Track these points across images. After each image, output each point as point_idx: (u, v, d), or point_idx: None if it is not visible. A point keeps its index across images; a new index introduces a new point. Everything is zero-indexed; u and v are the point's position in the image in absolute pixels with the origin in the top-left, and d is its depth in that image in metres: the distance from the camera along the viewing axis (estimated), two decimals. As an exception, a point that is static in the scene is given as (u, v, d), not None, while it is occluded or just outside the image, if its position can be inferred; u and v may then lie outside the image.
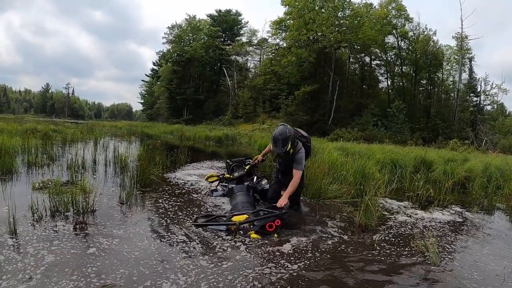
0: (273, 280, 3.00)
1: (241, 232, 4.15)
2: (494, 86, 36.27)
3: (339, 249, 3.90)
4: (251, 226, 4.22)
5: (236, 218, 4.28)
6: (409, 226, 4.99)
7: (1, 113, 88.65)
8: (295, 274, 3.16)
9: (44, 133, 14.63)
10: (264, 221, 4.24)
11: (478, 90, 37.26)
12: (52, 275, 2.81)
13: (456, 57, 36.93)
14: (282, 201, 4.52)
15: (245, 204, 4.82)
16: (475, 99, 37.50)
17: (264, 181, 5.80)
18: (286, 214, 4.50)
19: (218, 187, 6.34)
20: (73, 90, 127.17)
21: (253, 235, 4.06)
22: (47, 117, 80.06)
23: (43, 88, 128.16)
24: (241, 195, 5.12)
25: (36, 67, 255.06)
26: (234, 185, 5.61)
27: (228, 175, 6.14)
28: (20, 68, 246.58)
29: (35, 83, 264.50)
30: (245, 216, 4.32)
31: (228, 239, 3.97)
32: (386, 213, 5.66)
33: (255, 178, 5.91)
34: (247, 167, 6.06)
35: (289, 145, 4.71)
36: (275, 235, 4.17)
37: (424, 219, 5.47)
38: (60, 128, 18.86)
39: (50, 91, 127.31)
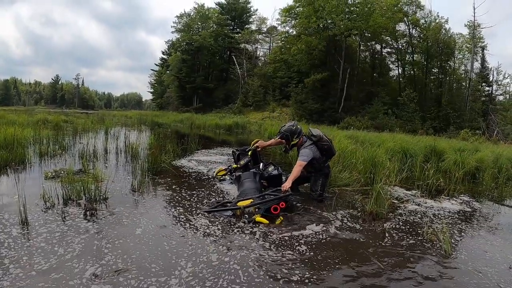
0: (282, 268, 3.04)
1: (246, 216, 4.24)
2: (507, 76, 35.52)
3: (349, 236, 3.92)
4: (256, 210, 4.33)
5: (241, 203, 4.39)
6: (419, 215, 4.98)
7: (12, 105, 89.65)
8: (305, 262, 3.20)
9: (55, 123, 14.83)
10: (269, 204, 4.34)
11: (491, 79, 36.43)
12: (64, 260, 2.88)
13: (468, 45, 36.01)
14: (286, 185, 4.65)
15: (252, 190, 4.89)
16: (487, 88, 36.60)
17: (271, 168, 5.85)
18: (290, 196, 4.62)
19: (225, 176, 6.47)
20: (82, 80, 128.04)
21: (258, 219, 4.15)
22: (57, 108, 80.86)
23: (53, 79, 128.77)
24: (248, 182, 5.20)
25: (46, 58, 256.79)
26: (241, 173, 5.69)
27: (236, 165, 6.24)
28: (30, 60, 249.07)
29: (45, 74, 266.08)
30: (250, 200, 4.42)
31: (237, 226, 4.02)
32: (396, 201, 5.65)
33: (261, 164, 5.97)
34: (249, 153, 6.21)
35: (290, 136, 5.43)
36: (280, 218, 4.26)
37: (433, 208, 5.44)
38: (70, 119, 19.06)
39: (59, 82, 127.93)
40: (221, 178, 6.44)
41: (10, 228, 3.45)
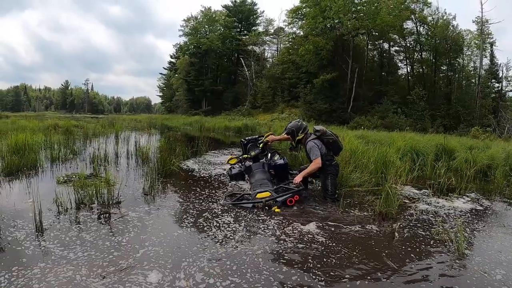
0: (296, 263, 3.05)
1: (267, 208, 4.76)
2: (516, 72, 35.09)
3: (360, 235, 3.91)
4: (274, 202, 4.85)
5: (260, 195, 4.90)
6: (431, 214, 4.94)
7: (22, 111, 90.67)
8: (317, 258, 3.20)
9: (66, 128, 14.97)
10: (285, 198, 4.88)
11: (500, 76, 36.02)
12: (77, 262, 2.92)
13: (476, 42, 35.52)
14: (298, 178, 5.26)
15: (264, 181, 5.40)
16: (497, 85, 36.07)
17: (276, 157, 6.21)
18: (303, 190, 5.18)
19: (235, 165, 6.84)
20: (92, 85, 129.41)
21: (277, 210, 4.71)
22: (67, 113, 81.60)
23: (62, 85, 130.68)
24: (259, 173, 5.70)
25: (55, 64, 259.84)
26: (252, 163, 6.12)
27: (246, 155, 6.71)
28: (39, 66, 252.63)
29: (54, 80, 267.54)
30: (268, 193, 4.93)
31: (248, 225, 4.06)
32: (408, 201, 5.62)
33: (269, 155, 6.36)
34: (261, 145, 6.58)
35: (296, 131, 5.71)
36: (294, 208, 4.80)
37: (445, 207, 5.39)
38: (81, 123, 19.23)
39: (69, 87, 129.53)
40: (230, 167, 6.82)
41: (26, 232, 3.49)
